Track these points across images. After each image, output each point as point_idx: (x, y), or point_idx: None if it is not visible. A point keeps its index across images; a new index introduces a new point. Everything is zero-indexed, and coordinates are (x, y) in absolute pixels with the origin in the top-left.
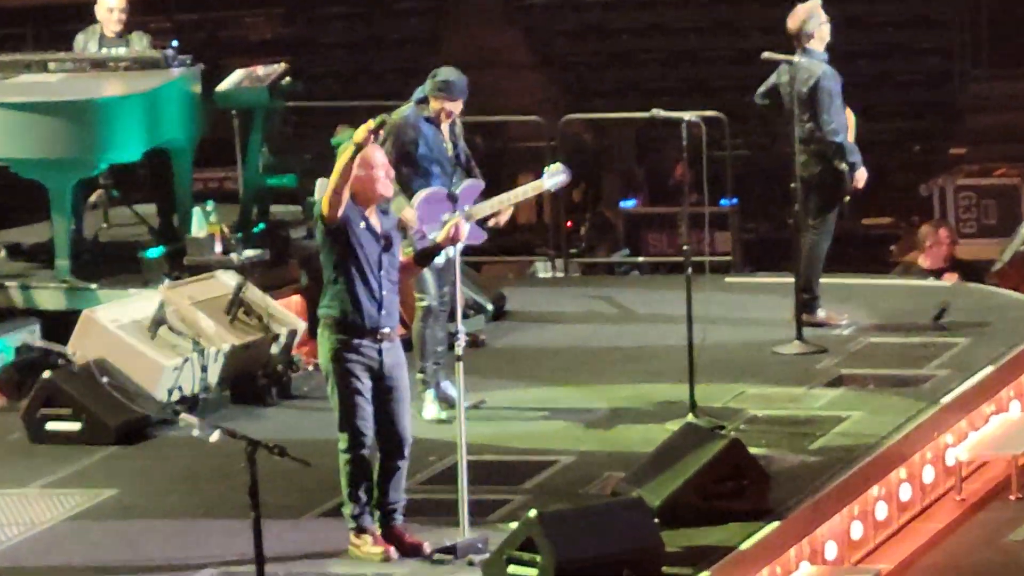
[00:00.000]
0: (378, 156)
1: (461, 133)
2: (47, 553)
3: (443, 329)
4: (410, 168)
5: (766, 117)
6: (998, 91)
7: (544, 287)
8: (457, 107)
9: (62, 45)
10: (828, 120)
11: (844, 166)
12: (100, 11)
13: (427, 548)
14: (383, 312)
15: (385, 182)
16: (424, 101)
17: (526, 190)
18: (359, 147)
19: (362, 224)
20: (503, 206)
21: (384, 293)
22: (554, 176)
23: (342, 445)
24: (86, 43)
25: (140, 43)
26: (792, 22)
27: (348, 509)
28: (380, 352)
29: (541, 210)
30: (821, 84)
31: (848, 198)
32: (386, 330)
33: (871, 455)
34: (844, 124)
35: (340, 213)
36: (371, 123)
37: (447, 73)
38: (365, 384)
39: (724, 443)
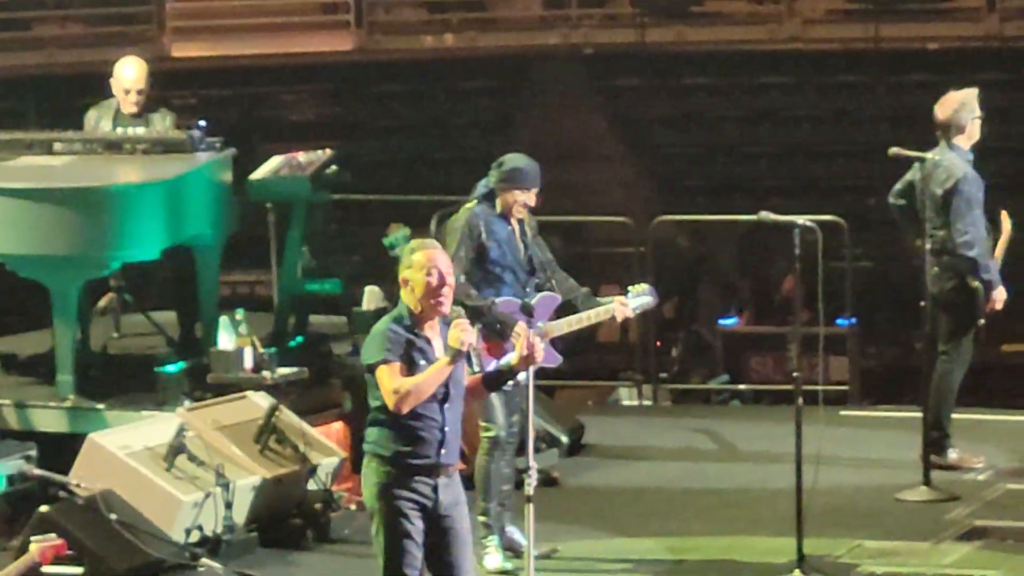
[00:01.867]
0: (442, 261)
1: (534, 233)
2: None
3: (510, 464)
4: (478, 274)
5: (894, 222)
6: None
7: (629, 417)
8: (531, 198)
9: (70, 122)
10: (962, 230)
11: (977, 284)
12: (115, 89)
13: None
14: (443, 450)
15: (448, 297)
16: (489, 196)
17: (609, 309)
18: (458, 354)
19: (422, 362)
20: (581, 326)
21: (447, 429)
22: (638, 298)
23: None
24: (99, 120)
25: (163, 122)
26: (942, 111)
27: None
28: (436, 489)
29: (626, 327)
30: (959, 188)
31: (983, 321)
32: (445, 465)
33: None
34: (981, 236)
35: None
36: (464, 330)
37: (515, 160)
38: (416, 526)
39: None
